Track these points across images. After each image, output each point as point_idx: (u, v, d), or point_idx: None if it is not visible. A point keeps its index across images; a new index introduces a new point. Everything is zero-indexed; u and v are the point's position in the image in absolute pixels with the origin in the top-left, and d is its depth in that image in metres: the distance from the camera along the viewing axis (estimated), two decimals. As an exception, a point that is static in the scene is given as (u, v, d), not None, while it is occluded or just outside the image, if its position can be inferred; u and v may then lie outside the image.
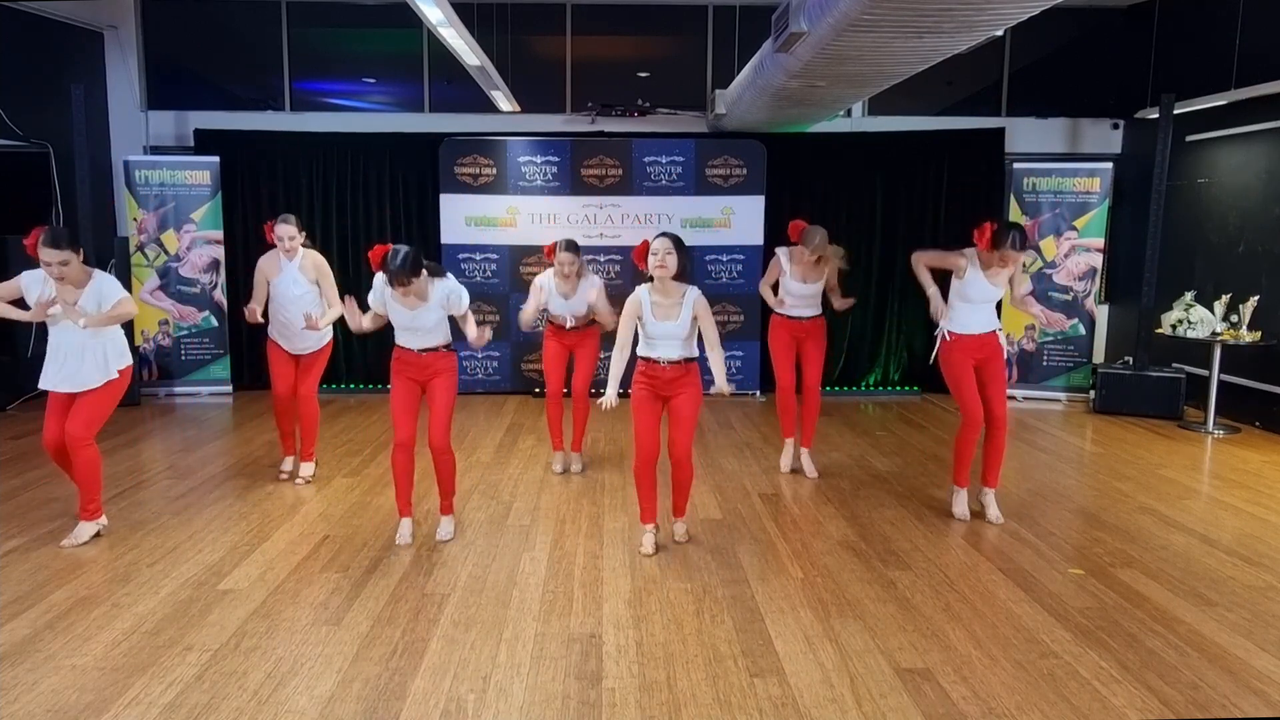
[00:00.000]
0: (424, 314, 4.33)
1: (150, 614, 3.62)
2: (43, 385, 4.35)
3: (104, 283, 4.35)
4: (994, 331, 4.87)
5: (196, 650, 3.32)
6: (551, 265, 5.59)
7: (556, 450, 5.89)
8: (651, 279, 4.22)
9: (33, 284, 4.29)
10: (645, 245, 4.25)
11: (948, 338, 4.87)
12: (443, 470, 4.51)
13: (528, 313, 5.63)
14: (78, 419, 4.29)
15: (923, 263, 4.97)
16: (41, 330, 4.52)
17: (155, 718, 2.88)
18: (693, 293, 4.21)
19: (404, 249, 4.13)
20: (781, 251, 5.64)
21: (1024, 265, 8.26)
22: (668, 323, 4.19)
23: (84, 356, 4.31)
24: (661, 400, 4.29)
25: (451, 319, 4.49)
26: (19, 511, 4.87)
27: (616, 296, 7.60)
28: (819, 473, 5.77)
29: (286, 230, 5.18)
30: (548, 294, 5.60)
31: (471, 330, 4.51)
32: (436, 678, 3.14)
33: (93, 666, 3.20)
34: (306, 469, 5.50)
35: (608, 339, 5.74)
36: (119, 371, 4.42)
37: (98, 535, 4.47)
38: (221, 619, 3.58)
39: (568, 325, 5.64)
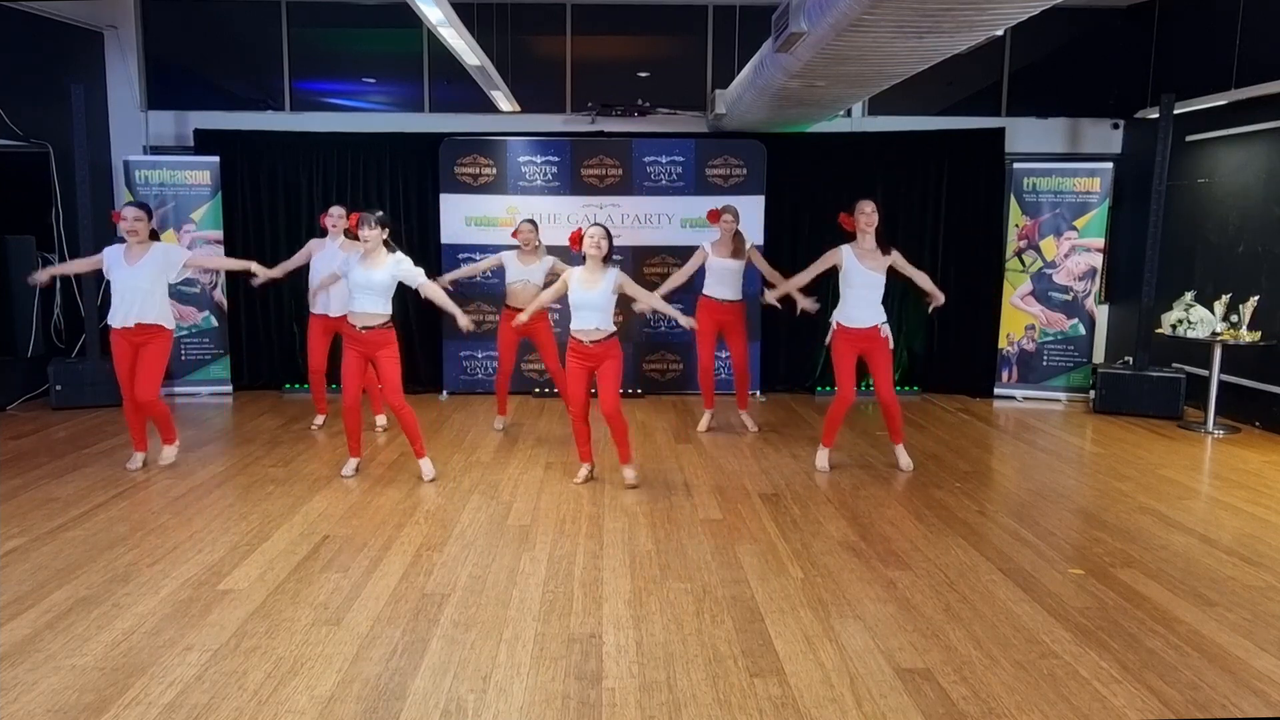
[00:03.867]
0: (375, 274, 5.29)
1: (150, 614, 3.62)
2: None
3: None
4: (876, 325, 5.65)
5: (196, 650, 3.32)
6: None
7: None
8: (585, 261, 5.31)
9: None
10: (579, 232, 5.33)
11: (835, 328, 5.76)
12: (406, 425, 5.50)
13: (465, 270, 7.08)
14: None
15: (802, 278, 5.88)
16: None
17: (155, 718, 2.88)
18: (612, 271, 5.30)
19: (379, 212, 5.38)
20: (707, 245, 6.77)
21: (1024, 264, 8.30)
22: (590, 293, 5.21)
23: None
24: (589, 370, 5.29)
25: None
26: (19, 511, 4.88)
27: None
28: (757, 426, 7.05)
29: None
30: (506, 264, 6.68)
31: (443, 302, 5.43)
32: (436, 678, 3.14)
33: (93, 666, 3.20)
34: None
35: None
36: None
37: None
38: (221, 619, 3.58)
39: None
